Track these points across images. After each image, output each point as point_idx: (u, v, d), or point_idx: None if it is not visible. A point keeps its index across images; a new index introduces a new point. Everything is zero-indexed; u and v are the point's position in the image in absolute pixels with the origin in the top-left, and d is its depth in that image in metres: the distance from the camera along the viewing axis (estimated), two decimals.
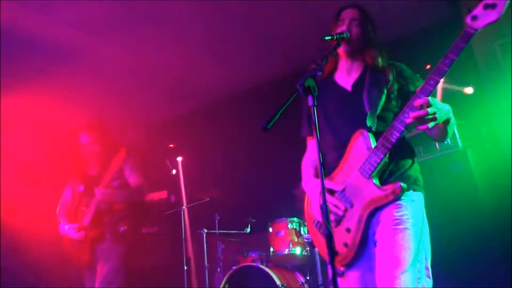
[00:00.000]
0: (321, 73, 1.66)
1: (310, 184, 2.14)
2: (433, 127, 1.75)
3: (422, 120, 1.72)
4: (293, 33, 4.41)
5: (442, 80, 3.94)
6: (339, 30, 2.02)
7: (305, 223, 3.99)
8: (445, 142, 3.44)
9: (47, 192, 5.00)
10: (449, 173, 3.40)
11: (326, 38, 1.94)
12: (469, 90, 3.84)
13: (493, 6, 1.65)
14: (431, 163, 3.45)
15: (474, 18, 1.69)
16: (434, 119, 1.71)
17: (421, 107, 1.72)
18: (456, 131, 3.43)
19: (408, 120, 1.75)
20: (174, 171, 4.78)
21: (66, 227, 3.46)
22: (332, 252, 1.48)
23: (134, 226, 3.47)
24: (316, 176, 2.14)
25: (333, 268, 1.46)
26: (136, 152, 3.58)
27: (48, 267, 4.90)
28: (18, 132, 5.09)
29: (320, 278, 3.69)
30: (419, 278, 1.75)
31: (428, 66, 1.86)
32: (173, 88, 5.40)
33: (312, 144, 2.26)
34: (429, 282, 1.79)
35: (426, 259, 1.82)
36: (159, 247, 5.01)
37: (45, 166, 5.19)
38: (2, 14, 3.53)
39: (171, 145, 4.96)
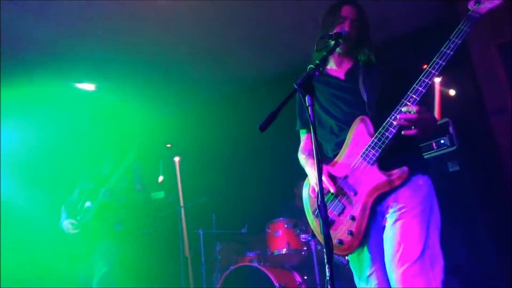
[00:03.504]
0: (319, 72, 1.66)
1: (313, 167, 2.09)
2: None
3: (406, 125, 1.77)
4: (291, 33, 4.41)
5: (439, 81, 3.96)
6: (338, 29, 2.00)
7: (303, 223, 4.01)
8: (441, 142, 3.47)
9: (47, 192, 5.01)
10: (446, 173, 3.41)
11: (325, 38, 1.94)
12: (451, 92, 3.92)
13: None
14: (427, 163, 3.45)
15: (478, 2, 1.71)
16: (414, 131, 1.76)
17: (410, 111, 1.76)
18: (453, 131, 3.44)
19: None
20: (161, 178, 4.82)
21: (65, 222, 3.61)
22: (330, 252, 1.47)
23: (131, 226, 3.61)
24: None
25: (331, 268, 1.45)
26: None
27: (47, 266, 4.88)
28: (18, 131, 5.09)
29: (317, 278, 3.69)
30: (431, 264, 1.74)
31: (425, 66, 1.85)
32: (170, 88, 5.40)
33: (307, 137, 2.28)
34: (443, 264, 1.78)
35: (439, 241, 1.80)
36: (156, 247, 5.01)
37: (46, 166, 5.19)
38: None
39: (168, 145, 4.96)
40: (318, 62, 1.70)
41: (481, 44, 3.80)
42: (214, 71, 5.10)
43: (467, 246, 3.18)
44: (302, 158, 2.25)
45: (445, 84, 3.85)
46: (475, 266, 3.13)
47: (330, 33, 1.96)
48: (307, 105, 1.59)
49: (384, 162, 1.84)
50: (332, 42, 1.92)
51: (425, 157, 3.47)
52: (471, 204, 3.26)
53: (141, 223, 4.69)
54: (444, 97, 3.81)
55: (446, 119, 3.47)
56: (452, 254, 3.13)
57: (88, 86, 4.93)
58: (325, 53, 1.86)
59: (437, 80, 3.82)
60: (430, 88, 1.80)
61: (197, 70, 5.02)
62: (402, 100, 1.82)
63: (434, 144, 3.50)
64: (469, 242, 3.18)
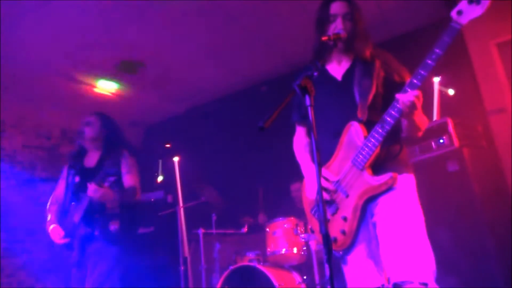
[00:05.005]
0: (318, 73, 1.66)
1: (309, 169, 2.19)
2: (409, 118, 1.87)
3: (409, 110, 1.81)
4: (290, 33, 4.41)
5: (438, 80, 3.95)
6: (333, 28, 2.03)
7: (302, 223, 4.00)
8: (440, 141, 3.46)
9: (45, 191, 5.02)
10: (445, 172, 3.40)
11: (323, 39, 1.94)
12: (450, 91, 3.95)
13: (477, 1, 1.70)
14: (427, 163, 3.45)
15: (459, 12, 1.75)
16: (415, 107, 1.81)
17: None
18: (452, 130, 3.43)
19: (401, 106, 1.81)
20: (160, 178, 4.81)
21: (52, 227, 3.23)
22: (330, 252, 1.48)
23: (126, 226, 3.27)
24: (313, 161, 2.17)
25: (330, 267, 1.47)
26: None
27: (44, 267, 4.89)
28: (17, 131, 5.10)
29: (317, 278, 3.68)
30: (421, 256, 1.80)
31: None
32: (170, 88, 5.40)
33: (301, 130, 2.33)
34: (433, 256, 1.84)
35: (426, 234, 1.87)
36: (155, 247, 5.01)
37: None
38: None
39: (168, 145, 4.96)
40: (317, 62, 1.71)
41: (480, 43, 3.80)
42: (215, 70, 5.10)
43: (467, 246, 3.18)
44: (298, 154, 2.30)
45: (444, 84, 3.85)
46: (475, 266, 3.12)
47: (329, 34, 1.97)
48: (306, 105, 1.60)
49: (373, 167, 1.94)
50: (331, 43, 1.92)
51: (425, 157, 3.49)
52: (471, 204, 3.25)
53: (138, 222, 4.60)
54: (443, 96, 3.81)
55: (445, 119, 3.46)
56: (451, 254, 3.14)
57: None
58: (326, 54, 1.88)
59: (436, 79, 3.82)
60: (427, 89, 1.81)
61: (198, 70, 5.02)
62: (388, 109, 1.86)
63: (433, 144, 3.49)
64: (469, 242, 3.17)
